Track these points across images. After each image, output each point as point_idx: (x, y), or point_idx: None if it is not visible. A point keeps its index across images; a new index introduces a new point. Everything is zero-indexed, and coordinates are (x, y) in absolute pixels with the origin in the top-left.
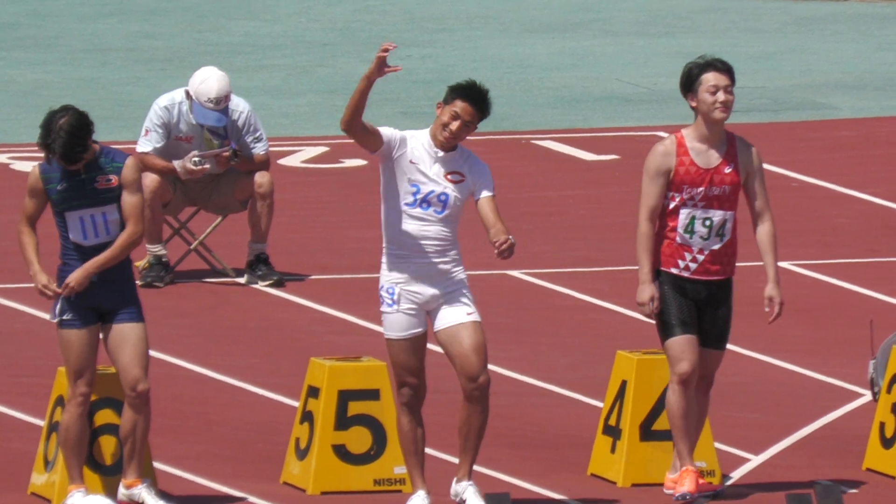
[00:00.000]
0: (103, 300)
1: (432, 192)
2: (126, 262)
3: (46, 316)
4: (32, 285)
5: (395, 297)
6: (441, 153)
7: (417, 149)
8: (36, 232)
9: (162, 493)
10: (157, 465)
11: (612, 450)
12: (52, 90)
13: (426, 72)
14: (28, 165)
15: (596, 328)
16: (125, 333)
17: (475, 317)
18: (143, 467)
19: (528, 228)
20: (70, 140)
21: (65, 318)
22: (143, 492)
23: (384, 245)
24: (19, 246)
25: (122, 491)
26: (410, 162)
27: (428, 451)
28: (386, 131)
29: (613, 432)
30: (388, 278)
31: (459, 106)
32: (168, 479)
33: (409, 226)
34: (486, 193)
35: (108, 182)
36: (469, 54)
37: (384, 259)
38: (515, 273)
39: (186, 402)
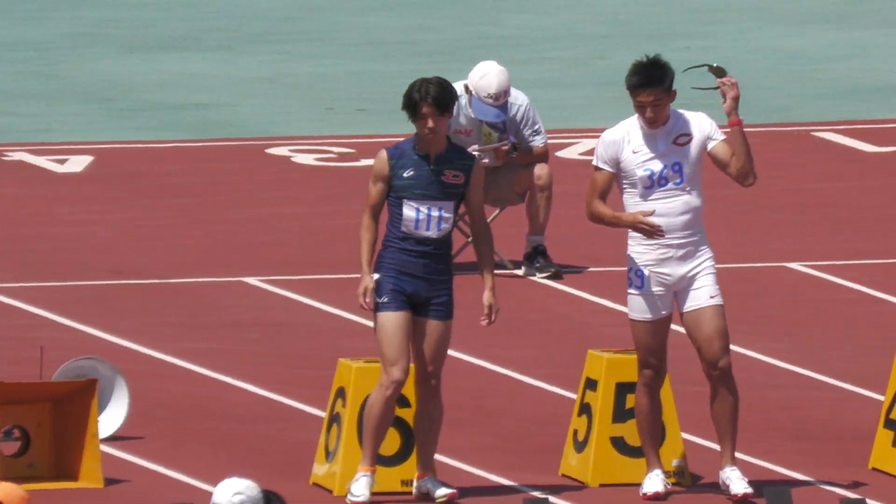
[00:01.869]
0: (420, 290)
1: (664, 167)
2: (448, 257)
3: (327, 308)
4: (315, 276)
5: (645, 280)
6: (656, 130)
7: (633, 134)
8: (377, 223)
9: (444, 484)
10: (436, 456)
11: (894, 444)
12: (330, 83)
13: None
14: (308, 158)
15: (873, 320)
16: (431, 330)
17: (718, 300)
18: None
19: (805, 220)
20: (441, 88)
21: (379, 300)
22: (428, 483)
23: (630, 230)
24: (359, 238)
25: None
26: (634, 152)
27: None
28: (609, 164)
29: (895, 426)
30: (638, 260)
31: (640, 96)
32: (447, 470)
33: (653, 206)
34: (717, 138)
35: (456, 178)
36: (744, 46)
37: (632, 242)
38: (793, 265)
39: (464, 393)
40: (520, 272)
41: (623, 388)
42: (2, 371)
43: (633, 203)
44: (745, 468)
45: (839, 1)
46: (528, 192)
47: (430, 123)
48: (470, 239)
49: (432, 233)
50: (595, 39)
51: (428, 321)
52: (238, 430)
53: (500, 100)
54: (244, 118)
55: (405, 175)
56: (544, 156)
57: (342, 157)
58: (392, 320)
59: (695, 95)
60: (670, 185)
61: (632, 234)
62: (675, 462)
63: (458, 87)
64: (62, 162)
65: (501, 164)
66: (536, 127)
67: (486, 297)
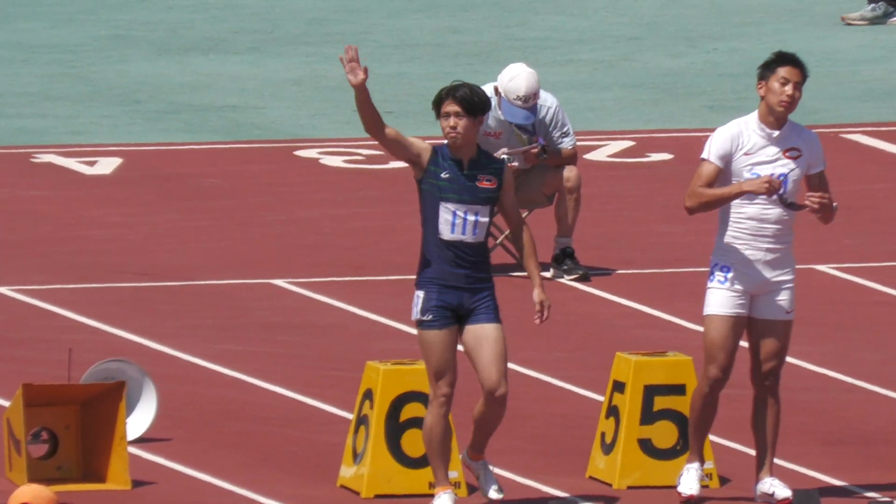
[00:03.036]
0: (463, 301)
1: (772, 175)
2: (487, 264)
3: (357, 310)
4: (344, 278)
5: (729, 277)
6: (775, 133)
7: (747, 135)
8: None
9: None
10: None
11: None
12: None
13: (733, 65)
14: (336, 160)
15: None
16: (483, 333)
17: (792, 316)
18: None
19: (836, 223)
20: (470, 91)
21: (424, 318)
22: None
23: (721, 227)
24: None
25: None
26: (745, 154)
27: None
28: (720, 160)
29: None
30: (725, 258)
31: (785, 70)
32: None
33: (751, 209)
34: (819, 168)
35: (490, 182)
36: (777, 47)
37: (721, 239)
38: (823, 268)
39: None
40: (548, 274)
41: (651, 391)
42: (31, 373)
43: (733, 204)
44: (774, 471)
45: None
46: (557, 194)
47: (452, 122)
48: (498, 240)
49: (467, 237)
50: (625, 41)
51: (479, 326)
52: (266, 433)
53: (530, 102)
54: (273, 120)
55: (443, 176)
56: (573, 158)
57: (371, 159)
58: (436, 338)
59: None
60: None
61: (722, 230)
62: (704, 464)
63: (488, 89)
64: (91, 164)
65: (530, 167)
66: (566, 129)
67: (536, 293)
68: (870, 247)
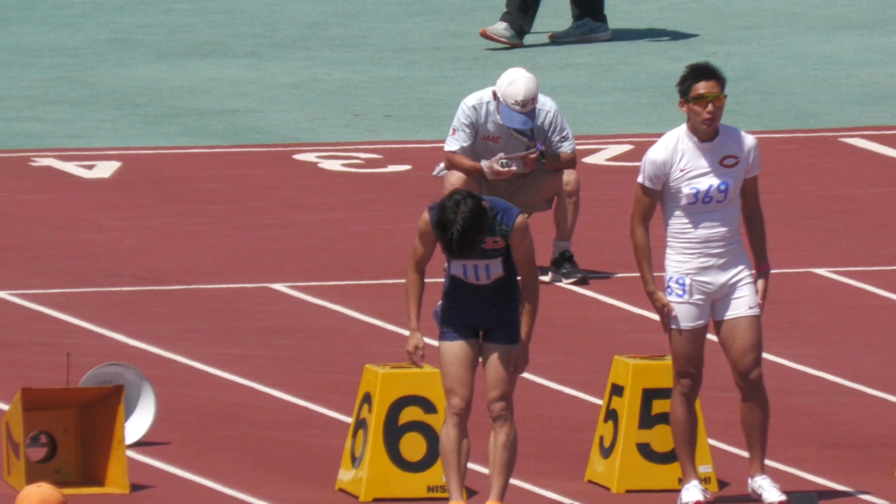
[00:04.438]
0: (480, 321)
1: (711, 186)
2: (508, 286)
3: (354, 314)
4: (342, 282)
5: (686, 288)
6: (707, 144)
7: (680, 151)
8: (424, 277)
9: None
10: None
11: None
12: (360, 89)
13: (732, 69)
14: (335, 164)
15: None
16: (489, 354)
17: (756, 311)
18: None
19: (834, 226)
20: (464, 239)
21: (442, 329)
22: None
23: (671, 241)
24: (405, 293)
25: None
26: (681, 171)
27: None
28: (656, 184)
29: None
30: (678, 269)
31: (700, 87)
32: (473, 476)
33: (694, 218)
34: (753, 173)
35: (496, 243)
36: (775, 51)
37: (671, 252)
38: (821, 271)
39: None
40: (546, 278)
41: (649, 395)
42: (29, 377)
43: (673, 216)
44: (772, 475)
45: (872, 6)
46: (556, 198)
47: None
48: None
49: (482, 281)
50: (623, 45)
51: (488, 346)
52: (264, 436)
53: (528, 107)
54: (272, 124)
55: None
56: (572, 162)
57: (369, 163)
58: (450, 350)
59: None
60: (713, 202)
61: (671, 242)
62: (702, 468)
63: (487, 93)
64: (90, 168)
65: (529, 171)
66: (564, 133)
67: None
68: (868, 250)
